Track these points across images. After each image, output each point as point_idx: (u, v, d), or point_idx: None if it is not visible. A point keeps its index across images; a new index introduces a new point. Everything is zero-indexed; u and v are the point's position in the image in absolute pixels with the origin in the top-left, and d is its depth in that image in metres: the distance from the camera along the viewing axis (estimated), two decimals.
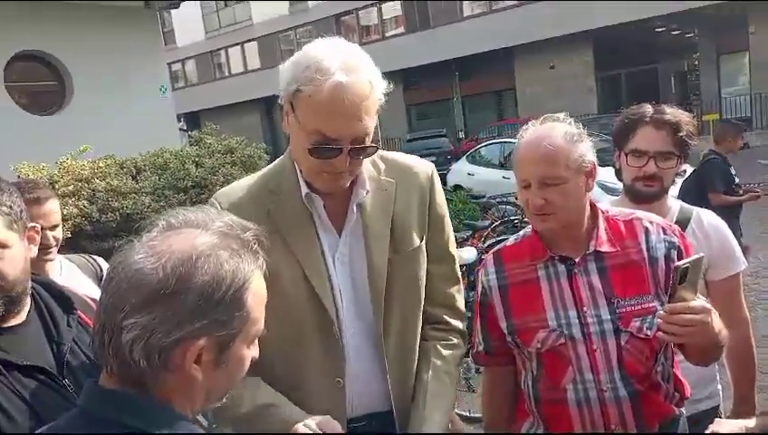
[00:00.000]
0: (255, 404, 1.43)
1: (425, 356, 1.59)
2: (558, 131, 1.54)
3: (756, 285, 6.00)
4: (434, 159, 2.58)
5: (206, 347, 0.89)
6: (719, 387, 2.07)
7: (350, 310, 1.51)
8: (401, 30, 25.90)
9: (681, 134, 1.93)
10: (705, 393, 1.99)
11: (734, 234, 2.04)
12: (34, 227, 1.44)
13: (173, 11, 13.82)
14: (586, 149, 1.55)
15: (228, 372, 0.95)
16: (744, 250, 2.17)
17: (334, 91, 1.31)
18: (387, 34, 26.29)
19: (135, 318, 0.86)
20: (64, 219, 3.64)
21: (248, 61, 31.00)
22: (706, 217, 2.01)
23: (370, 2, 26.13)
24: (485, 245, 6.28)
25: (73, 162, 5.21)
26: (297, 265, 1.46)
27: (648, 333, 1.53)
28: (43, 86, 8.50)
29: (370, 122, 1.39)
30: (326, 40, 1.42)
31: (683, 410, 1.67)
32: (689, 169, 2.64)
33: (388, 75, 1.43)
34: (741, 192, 5.30)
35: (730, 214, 4.47)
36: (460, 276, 1.71)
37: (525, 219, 6.29)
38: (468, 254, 4.92)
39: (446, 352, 1.60)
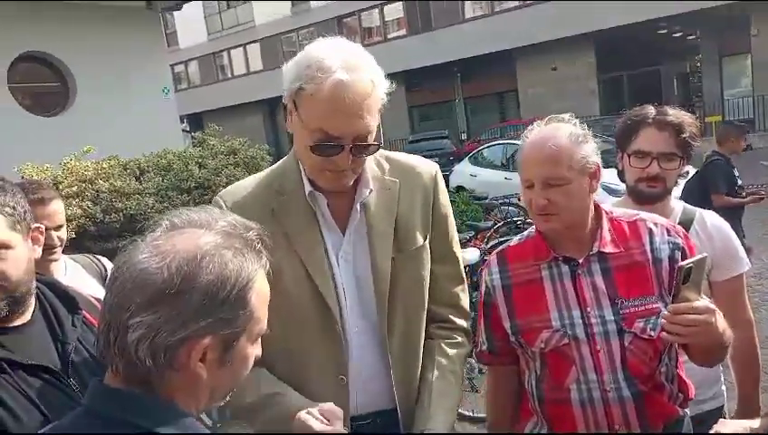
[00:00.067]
0: (260, 393, 1.44)
1: (429, 355, 1.59)
2: (562, 132, 1.54)
3: (760, 286, 5.99)
4: (436, 160, 2.58)
5: (210, 346, 0.90)
6: (723, 388, 2.07)
7: (353, 308, 1.51)
8: (403, 32, 25.94)
9: (684, 135, 1.92)
10: (709, 394, 1.98)
11: (736, 235, 2.04)
12: (39, 227, 1.44)
13: (175, 13, 13.84)
14: (590, 151, 1.54)
15: (233, 370, 0.96)
16: (747, 251, 2.17)
17: (335, 89, 1.32)
18: (389, 36, 26.31)
19: (140, 317, 0.86)
20: (68, 220, 3.66)
21: (251, 62, 31.03)
22: (709, 218, 2.01)
23: (372, 3, 26.16)
24: (488, 246, 6.30)
25: (77, 163, 5.22)
26: (300, 263, 1.47)
27: (652, 333, 1.52)
28: (46, 87, 8.52)
29: (372, 121, 1.39)
30: (328, 39, 1.42)
31: (687, 410, 1.67)
32: (692, 170, 2.63)
33: (390, 77, 1.44)
34: (744, 194, 5.29)
35: (732, 215, 4.45)
36: (464, 276, 1.70)
37: (528, 220, 6.32)
38: (471, 255, 4.91)
39: (450, 351, 1.60)
